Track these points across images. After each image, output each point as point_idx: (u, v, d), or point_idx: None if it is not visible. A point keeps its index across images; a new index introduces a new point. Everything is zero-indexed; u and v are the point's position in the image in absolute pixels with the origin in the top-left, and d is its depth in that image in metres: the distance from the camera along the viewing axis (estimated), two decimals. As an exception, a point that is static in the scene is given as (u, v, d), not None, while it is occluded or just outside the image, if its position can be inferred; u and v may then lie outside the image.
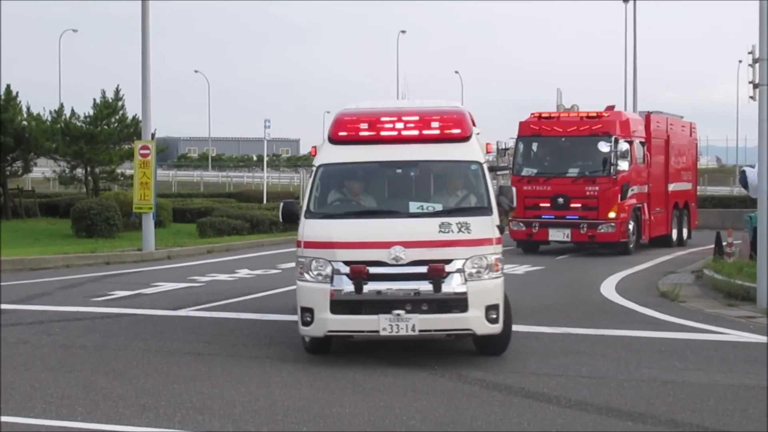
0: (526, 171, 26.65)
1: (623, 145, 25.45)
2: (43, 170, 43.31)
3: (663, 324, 14.59)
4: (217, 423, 9.04)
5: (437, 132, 12.12)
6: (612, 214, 25.58)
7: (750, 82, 16.78)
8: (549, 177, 26.24)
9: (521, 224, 26.41)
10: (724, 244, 22.05)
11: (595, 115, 26.30)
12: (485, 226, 11.45)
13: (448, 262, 11.15)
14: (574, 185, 25.90)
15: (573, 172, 26.10)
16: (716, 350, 12.35)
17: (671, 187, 29.49)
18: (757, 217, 16.63)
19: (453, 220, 11.36)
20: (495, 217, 11.64)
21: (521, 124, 27.22)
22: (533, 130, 26.84)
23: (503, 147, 26.51)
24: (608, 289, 18.83)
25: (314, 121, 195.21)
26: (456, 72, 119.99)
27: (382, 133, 12.12)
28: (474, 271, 11.23)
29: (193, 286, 19.22)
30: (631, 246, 26.34)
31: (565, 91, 28.24)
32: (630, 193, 26.17)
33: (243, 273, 21.55)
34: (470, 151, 12.15)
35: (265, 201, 40.45)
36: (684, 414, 9.29)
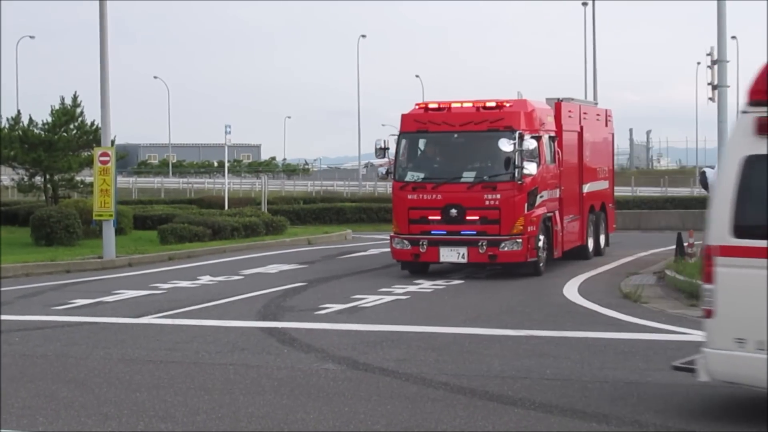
0: (411, 176, 21.61)
1: (530, 143, 20.71)
2: (2, 178, 42.89)
3: (626, 325, 14.65)
4: (181, 431, 8.96)
5: None
6: (517, 228, 20.67)
7: (709, 84, 16.94)
8: (439, 183, 21.21)
9: (406, 242, 21.27)
10: (685, 244, 22.18)
11: (494, 105, 21.38)
12: None
13: None
14: (470, 193, 20.94)
15: (468, 176, 21.19)
16: (679, 350, 12.38)
17: (586, 188, 24.95)
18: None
19: None
20: None
21: (404, 117, 22.19)
22: (419, 125, 21.78)
23: (381, 146, 22.45)
24: (571, 290, 18.88)
25: (275, 127, 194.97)
26: (417, 76, 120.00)
27: None
28: None
29: (154, 293, 19.07)
30: (542, 265, 21.41)
31: (525, 93, 26.86)
32: (539, 200, 21.52)
33: (205, 279, 21.41)
34: None
35: (226, 207, 40.17)
36: (648, 414, 9.33)
